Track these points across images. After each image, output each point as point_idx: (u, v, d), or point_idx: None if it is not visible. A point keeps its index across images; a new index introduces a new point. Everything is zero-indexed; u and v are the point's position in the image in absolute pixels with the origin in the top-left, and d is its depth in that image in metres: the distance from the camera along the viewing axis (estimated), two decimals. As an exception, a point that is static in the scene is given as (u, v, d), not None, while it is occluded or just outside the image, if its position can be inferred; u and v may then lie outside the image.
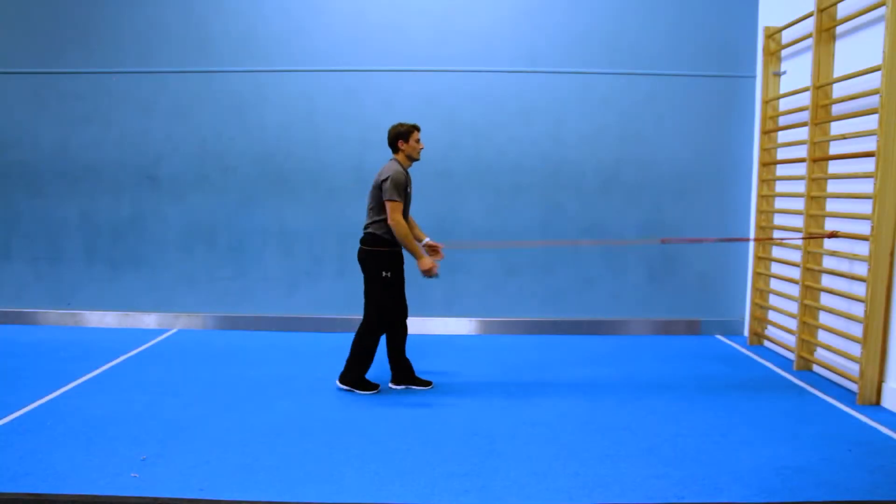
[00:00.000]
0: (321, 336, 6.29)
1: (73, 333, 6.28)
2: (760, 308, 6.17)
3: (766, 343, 6.07)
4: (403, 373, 4.79)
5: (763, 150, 6.08)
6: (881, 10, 4.43)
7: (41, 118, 6.50)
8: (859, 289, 4.63)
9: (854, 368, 4.65)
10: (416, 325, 6.48)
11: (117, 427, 3.95)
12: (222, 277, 6.57)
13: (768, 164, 6.01)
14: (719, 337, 6.42)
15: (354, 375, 4.67)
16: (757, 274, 6.19)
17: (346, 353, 4.74)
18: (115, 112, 6.48)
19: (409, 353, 5.02)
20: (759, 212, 6.13)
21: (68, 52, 6.44)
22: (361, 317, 4.64)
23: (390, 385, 4.80)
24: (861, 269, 4.59)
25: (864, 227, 4.57)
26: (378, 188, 4.54)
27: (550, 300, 6.51)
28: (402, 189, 4.51)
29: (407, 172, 4.63)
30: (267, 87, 6.42)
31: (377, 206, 4.56)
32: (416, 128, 4.66)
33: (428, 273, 4.50)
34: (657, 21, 6.34)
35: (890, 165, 4.27)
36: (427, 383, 4.82)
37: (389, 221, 4.46)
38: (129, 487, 3.21)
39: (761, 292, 6.16)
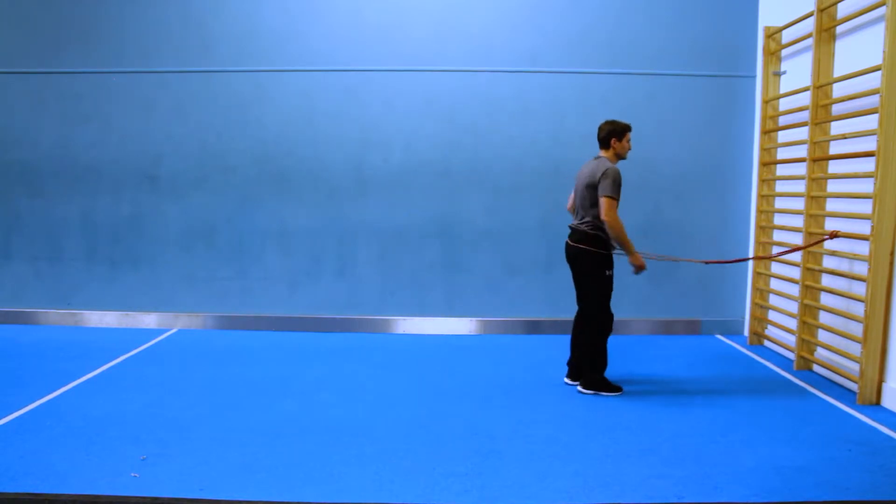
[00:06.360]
0: (321, 336, 6.28)
1: (73, 333, 6.27)
2: (760, 308, 6.17)
3: (766, 343, 6.07)
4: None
5: (763, 149, 6.07)
6: (881, 10, 4.43)
7: (41, 118, 6.50)
8: (859, 288, 4.63)
9: (854, 368, 4.65)
10: (417, 325, 6.49)
11: (117, 427, 3.95)
12: (222, 277, 6.56)
13: (768, 163, 6.01)
14: (719, 337, 6.42)
15: (596, 377, 4.63)
16: (757, 274, 6.19)
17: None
18: (115, 112, 6.48)
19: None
20: (759, 211, 6.12)
21: (68, 52, 6.43)
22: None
23: (566, 380, 4.81)
24: (861, 269, 4.59)
25: (864, 227, 4.57)
26: (593, 186, 4.45)
27: (550, 300, 6.50)
28: (620, 186, 4.43)
29: None
30: (267, 87, 6.42)
31: (590, 204, 4.48)
32: (629, 128, 4.64)
33: (640, 268, 4.51)
34: (657, 21, 6.33)
35: (890, 165, 4.27)
36: (617, 388, 4.68)
37: (605, 217, 4.37)
38: (129, 487, 3.21)
39: (761, 292, 6.16)
